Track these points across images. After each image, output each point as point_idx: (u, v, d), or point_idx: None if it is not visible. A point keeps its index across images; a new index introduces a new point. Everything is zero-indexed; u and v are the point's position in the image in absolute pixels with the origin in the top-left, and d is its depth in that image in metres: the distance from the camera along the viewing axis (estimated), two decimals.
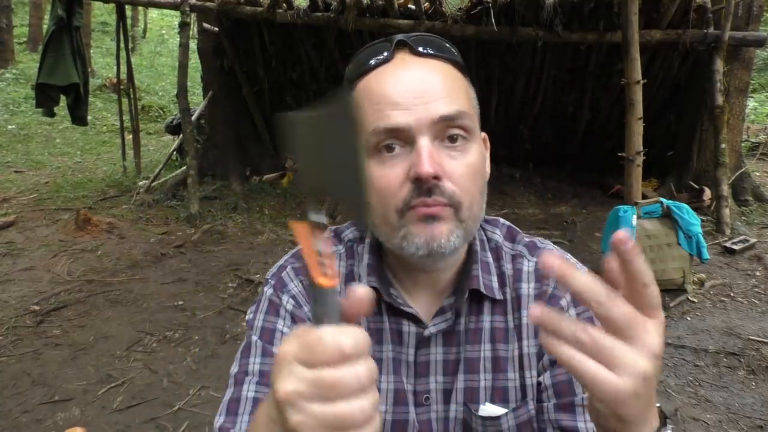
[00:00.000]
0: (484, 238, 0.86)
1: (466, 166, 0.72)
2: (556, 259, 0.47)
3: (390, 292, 0.80)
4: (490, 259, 0.84)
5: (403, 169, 0.70)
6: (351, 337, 0.44)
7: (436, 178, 0.69)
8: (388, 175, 0.71)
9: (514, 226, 0.90)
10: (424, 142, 0.69)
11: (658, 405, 0.54)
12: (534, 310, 0.47)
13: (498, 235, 0.87)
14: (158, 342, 3.22)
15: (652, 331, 0.46)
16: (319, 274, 0.46)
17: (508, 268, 0.84)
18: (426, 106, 0.70)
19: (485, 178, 0.78)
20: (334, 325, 0.44)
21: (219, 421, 0.76)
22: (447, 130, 0.71)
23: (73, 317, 3.49)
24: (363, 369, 0.44)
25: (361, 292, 0.47)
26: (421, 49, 0.74)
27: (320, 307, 0.46)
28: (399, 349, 0.81)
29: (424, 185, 0.69)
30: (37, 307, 3.56)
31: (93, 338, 3.24)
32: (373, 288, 0.80)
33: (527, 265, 0.84)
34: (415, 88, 0.70)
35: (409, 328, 0.81)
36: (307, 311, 0.83)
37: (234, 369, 0.80)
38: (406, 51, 0.75)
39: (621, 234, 0.46)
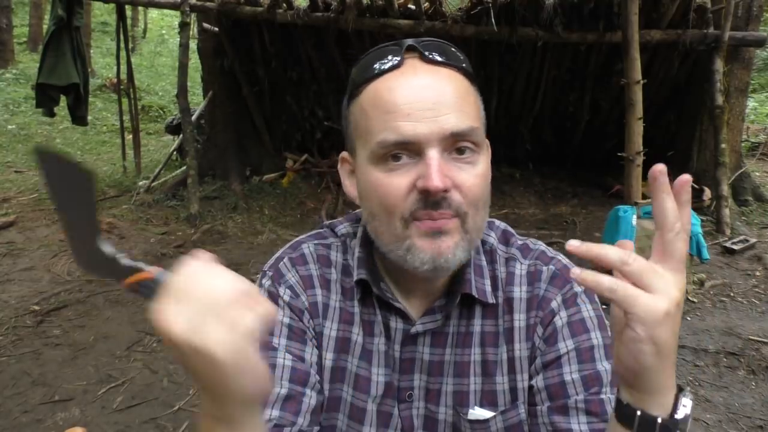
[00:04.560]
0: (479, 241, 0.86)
1: (475, 176, 0.71)
2: (578, 245, 0.54)
3: (380, 285, 0.80)
4: (484, 263, 0.84)
5: (409, 179, 0.69)
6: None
7: (446, 191, 0.68)
8: (393, 184, 0.70)
9: (509, 229, 0.90)
10: (434, 155, 0.68)
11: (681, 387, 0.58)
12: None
13: (492, 238, 0.87)
14: (158, 342, 3.22)
15: (667, 277, 0.54)
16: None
17: (501, 271, 0.84)
18: (437, 119, 0.68)
19: (489, 186, 0.78)
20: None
21: None
22: (456, 143, 0.70)
23: (73, 317, 3.49)
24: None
25: None
26: (431, 55, 0.72)
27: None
28: (388, 343, 0.81)
29: (431, 198, 0.68)
30: (37, 307, 3.56)
31: (93, 338, 3.24)
32: (363, 281, 0.80)
33: (520, 269, 0.84)
34: (426, 99, 0.69)
35: (396, 323, 0.81)
36: (304, 300, 0.83)
37: None
38: (416, 57, 0.73)
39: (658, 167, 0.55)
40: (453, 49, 0.75)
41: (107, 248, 0.54)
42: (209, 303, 0.49)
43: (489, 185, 0.76)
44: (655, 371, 0.54)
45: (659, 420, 0.56)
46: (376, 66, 0.73)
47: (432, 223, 0.69)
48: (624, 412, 0.58)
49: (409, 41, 0.74)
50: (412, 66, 0.72)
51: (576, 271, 0.54)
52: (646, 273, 0.53)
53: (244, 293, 0.51)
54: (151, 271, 0.54)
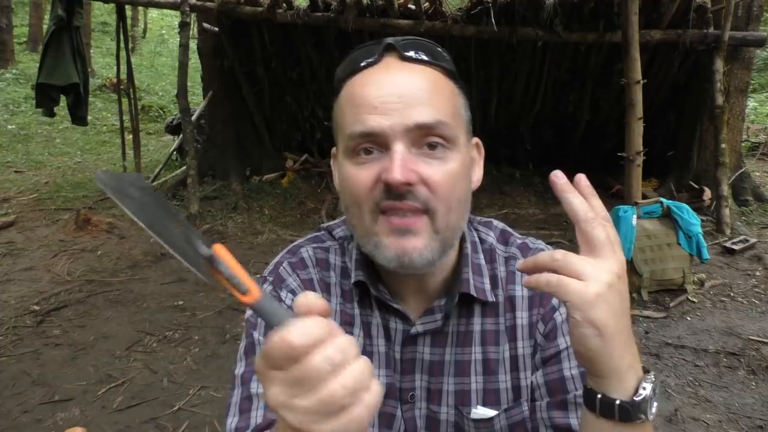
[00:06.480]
0: (477, 239, 0.86)
1: (444, 173, 0.70)
2: (521, 264, 0.61)
3: (378, 287, 0.80)
4: (483, 261, 0.84)
5: (375, 172, 0.70)
6: (298, 328, 0.44)
7: (408, 185, 0.68)
8: (361, 176, 0.71)
9: (507, 228, 0.90)
10: (398, 148, 0.68)
11: (650, 372, 0.61)
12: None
13: (492, 238, 0.87)
14: (158, 342, 3.22)
15: (595, 263, 0.57)
16: (240, 294, 0.48)
17: (501, 270, 0.84)
18: (403, 112, 0.68)
19: (469, 186, 0.77)
20: (284, 326, 0.45)
21: (233, 421, 0.75)
22: (425, 138, 0.70)
23: (73, 317, 3.49)
24: (332, 349, 0.44)
25: (311, 296, 0.47)
26: (409, 53, 0.73)
27: (263, 319, 0.48)
28: (388, 344, 0.81)
29: (395, 191, 0.68)
30: (37, 307, 3.56)
31: (93, 338, 3.24)
32: (361, 282, 0.80)
33: None
34: (395, 94, 0.69)
35: (396, 324, 0.81)
36: None
37: (239, 369, 0.79)
38: (394, 55, 0.73)
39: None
40: (436, 48, 0.76)
41: (203, 249, 0.51)
42: (328, 400, 0.43)
43: (465, 182, 0.75)
44: (604, 354, 0.56)
45: (617, 402, 0.58)
46: (356, 63, 0.74)
47: (398, 221, 0.70)
48: (588, 397, 0.61)
49: (389, 40, 0.74)
50: (387, 63, 0.73)
51: (525, 278, 0.59)
52: (574, 263, 0.56)
53: (364, 377, 0.45)
54: (251, 290, 0.49)
